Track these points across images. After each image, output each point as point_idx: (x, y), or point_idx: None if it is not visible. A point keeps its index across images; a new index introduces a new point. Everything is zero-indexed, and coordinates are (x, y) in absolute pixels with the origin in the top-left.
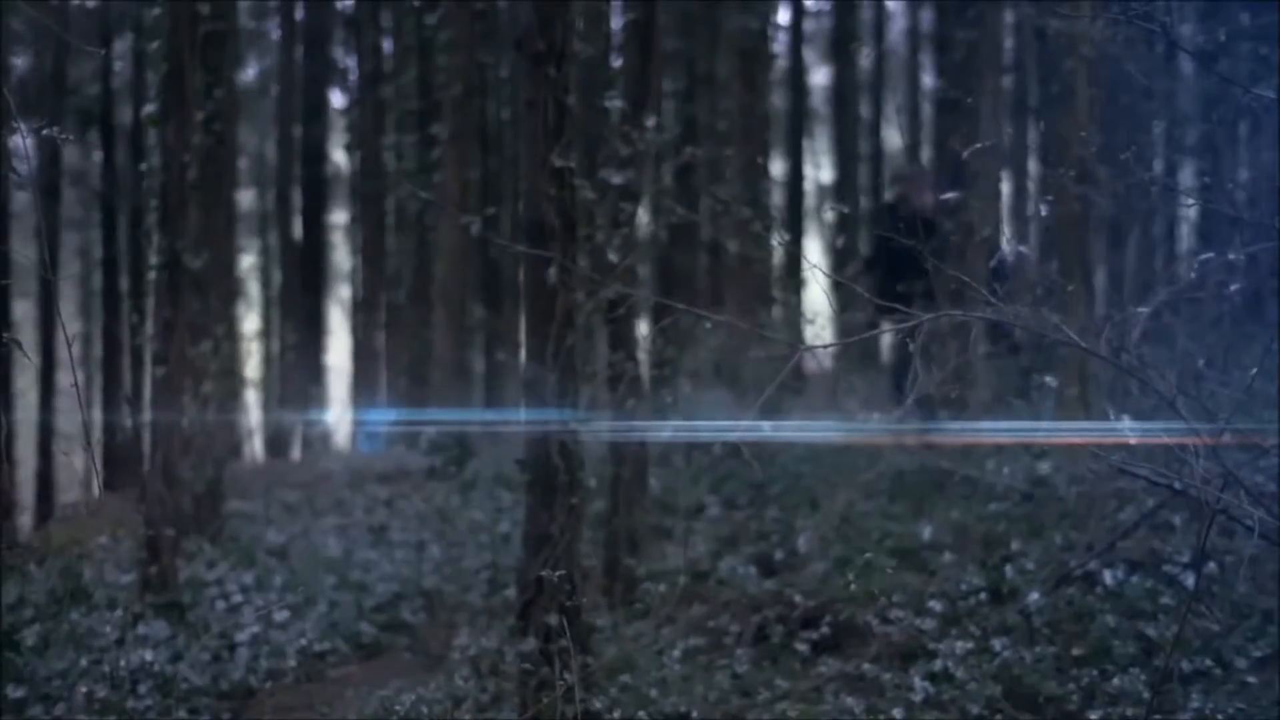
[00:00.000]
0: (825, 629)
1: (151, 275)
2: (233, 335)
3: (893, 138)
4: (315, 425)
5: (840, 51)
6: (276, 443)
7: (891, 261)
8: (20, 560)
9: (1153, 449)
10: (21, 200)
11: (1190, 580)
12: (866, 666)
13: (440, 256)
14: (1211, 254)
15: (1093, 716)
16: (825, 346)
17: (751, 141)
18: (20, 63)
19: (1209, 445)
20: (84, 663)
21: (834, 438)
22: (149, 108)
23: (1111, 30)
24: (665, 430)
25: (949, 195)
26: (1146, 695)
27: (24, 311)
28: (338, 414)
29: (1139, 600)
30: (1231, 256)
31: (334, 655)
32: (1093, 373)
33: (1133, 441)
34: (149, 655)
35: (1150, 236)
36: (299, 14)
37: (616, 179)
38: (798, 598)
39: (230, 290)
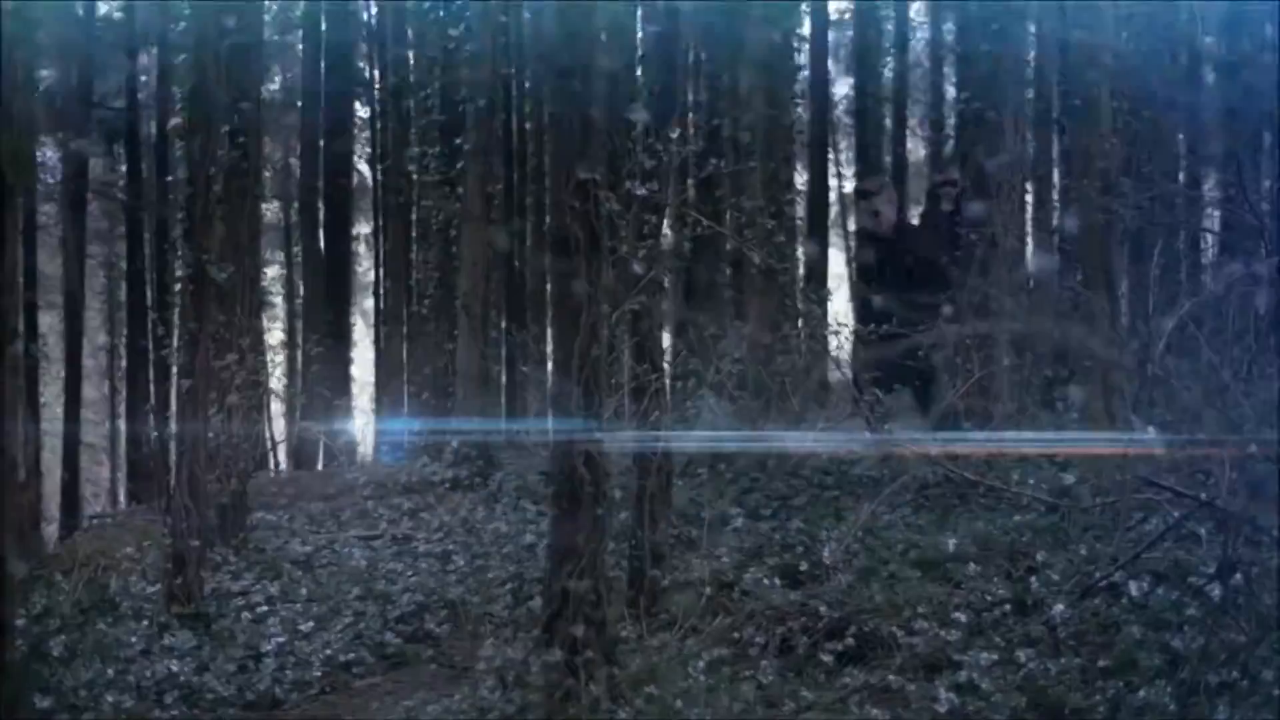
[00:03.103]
0: (850, 640)
1: (177, 287)
2: (257, 347)
3: (916, 149)
4: (339, 437)
5: (863, 63)
6: (301, 454)
7: (884, 284)
8: (47, 571)
9: (1178, 460)
10: (48, 212)
11: (1216, 592)
12: (891, 678)
13: (464, 269)
14: (1236, 265)
15: None
16: (848, 361)
17: (774, 153)
18: (47, 76)
19: (1234, 456)
20: (110, 673)
21: (857, 449)
22: (174, 121)
23: (1135, 42)
24: (690, 441)
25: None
26: (1173, 708)
27: (50, 323)
28: (362, 425)
29: (1165, 612)
30: (1256, 267)
31: (359, 666)
32: (1116, 384)
33: (1158, 453)
34: (175, 666)
35: (1174, 248)
36: (323, 27)
37: (641, 191)
38: (822, 609)
39: (255, 302)
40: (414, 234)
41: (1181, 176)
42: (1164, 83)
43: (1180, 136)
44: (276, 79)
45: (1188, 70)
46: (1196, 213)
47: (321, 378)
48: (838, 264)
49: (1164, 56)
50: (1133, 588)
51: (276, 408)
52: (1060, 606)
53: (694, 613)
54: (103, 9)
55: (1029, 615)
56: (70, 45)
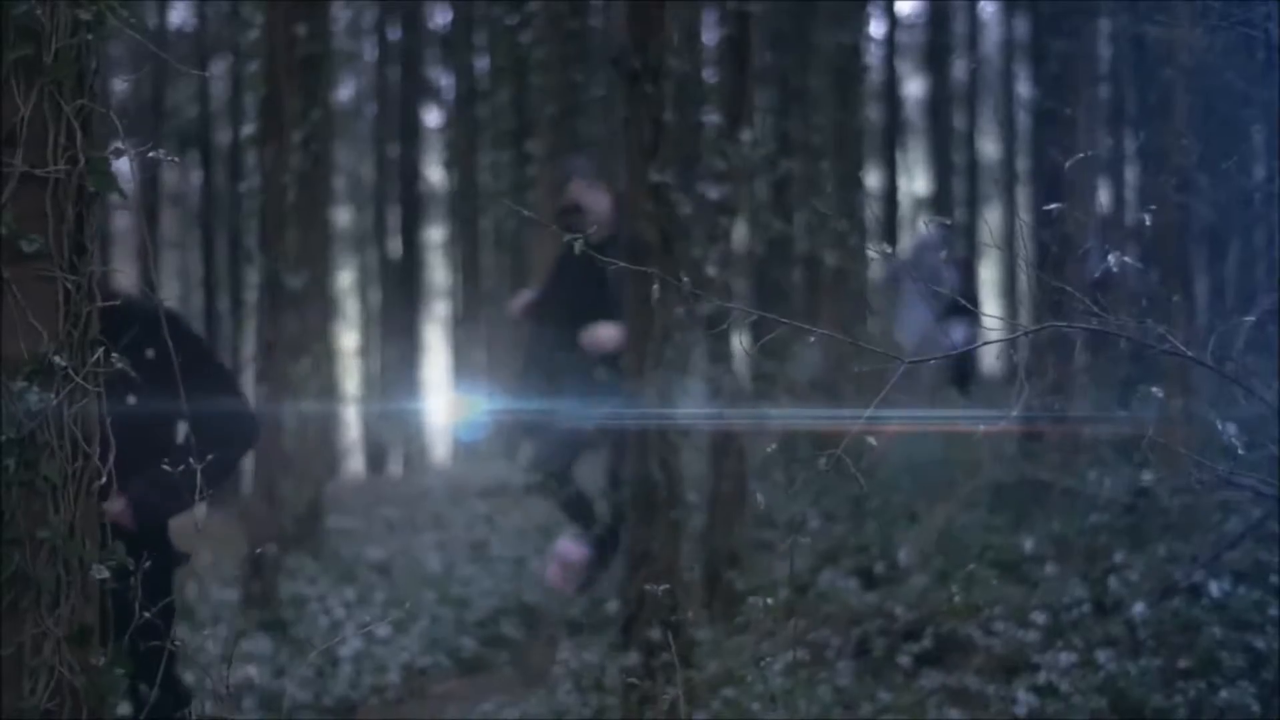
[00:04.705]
0: (927, 642)
1: (251, 295)
2: (332, 353)
3: (988, 148)
4: (414, 441)
5: (934, 63)
6: (376, 459)
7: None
8: None
9: (1258, 459)
10: (122, 221)
11: None
12: (969, 679)
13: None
14: None
15: None
16: (926, 360)
17: (846, 155)
18: (121, 85)
19: None
20: (189, 679)
21: (932, 451)
22: (247, 129)
23: (1210, 37)
24: (765, 443)
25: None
26: (1255, 708)
27: None
28: (436, 429)
29: (1246, 612)
30: None
31: (436, 670)
32: (1195, 383)
33: (1239, 451)
34: (253, 671)
35: (1251, 245)
36: (393, 34)
37: (713, 194)
38: (899, 611)
39: (329, 308)
40: (487, 240)
41: (1259, 172)
42: (1240, 77)
43: (1257, 132)
44: (348, 86)
45: (1264, 64)
46: (1274, 209)
47: (396, 383)
48: None
49: (1240, 51)
50: (1213, 588)
51: (352, 413)
52: (1140, 607)
53: (770, 615)
54: (175, 18)
55: (1108, 616)
56: (144, 55)
